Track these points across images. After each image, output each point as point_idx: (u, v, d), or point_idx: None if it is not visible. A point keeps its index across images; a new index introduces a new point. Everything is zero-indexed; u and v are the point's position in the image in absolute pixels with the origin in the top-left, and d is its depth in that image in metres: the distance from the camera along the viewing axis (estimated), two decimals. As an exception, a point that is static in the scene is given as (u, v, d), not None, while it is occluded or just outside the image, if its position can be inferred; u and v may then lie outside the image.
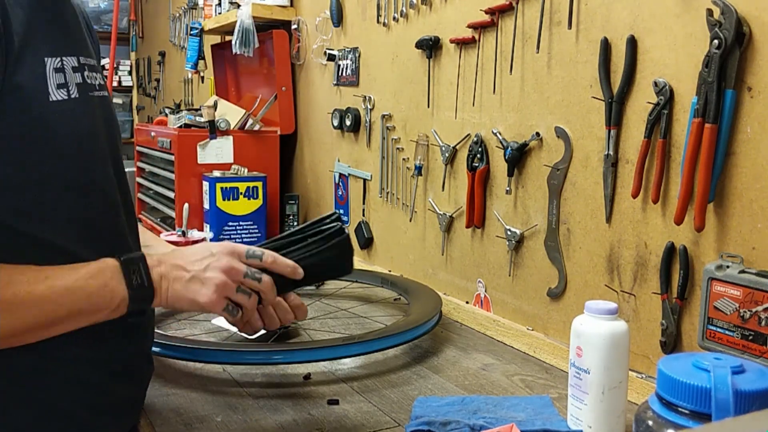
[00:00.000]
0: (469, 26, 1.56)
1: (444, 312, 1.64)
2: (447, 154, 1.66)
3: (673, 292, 1.15)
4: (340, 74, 2.18)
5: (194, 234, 2.17)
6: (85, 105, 0.94)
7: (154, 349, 1.29)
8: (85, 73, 0.98)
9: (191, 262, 0.95)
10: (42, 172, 0.87)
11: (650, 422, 0.73)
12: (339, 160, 2.22)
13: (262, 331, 1.37)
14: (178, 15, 3.97)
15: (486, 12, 1.50)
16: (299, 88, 2.51)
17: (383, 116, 1.94)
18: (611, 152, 1.24)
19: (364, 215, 2.09)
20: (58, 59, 0.92)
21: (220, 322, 1.43)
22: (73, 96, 0.92)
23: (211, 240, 2.21)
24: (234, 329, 1.39)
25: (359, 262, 2.10)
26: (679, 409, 0.71)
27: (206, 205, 2.26)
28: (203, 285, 0.94)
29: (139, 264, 0.91)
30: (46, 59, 0.90)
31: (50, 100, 0.88)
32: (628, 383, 1.02)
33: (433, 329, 1.45)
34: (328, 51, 2.20)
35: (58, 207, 0.89)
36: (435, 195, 1.74)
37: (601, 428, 1.00)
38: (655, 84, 1.14)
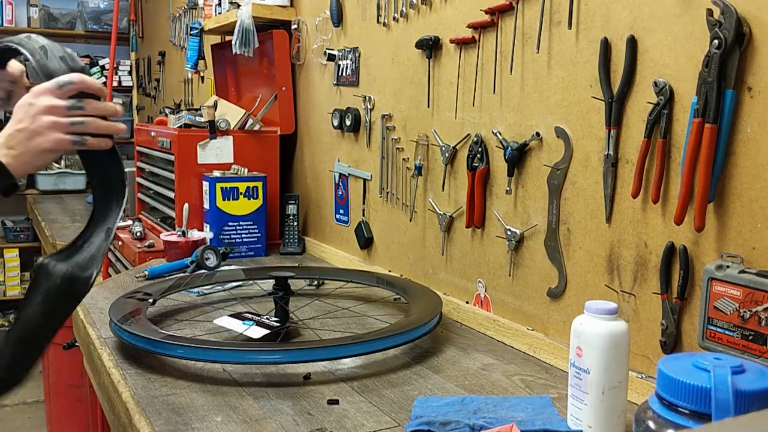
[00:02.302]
0: (469, 26, 1.56)
1: (444, 312, 1.64)
2: (447, 154, 1.66)
3: (673, 292, 1.15)
4: (340, 74, 2.18)
5: (194, 234, 2.17)
6: None
7: (154, 348, 1.29)
8: None
9: (18, 122, 0.98)
10: None
11: (650, 422, 0.73)
12: (339, 160, 2.22)
13: (266, 332, 1.37)
14: (178, 15, 3.96)
15: (486, 12, 1.50)
16: (299, 88, 2.51)
17: (383, 116, 1.94)
18: (611, 152, 1.24)
19: (364, 215, 2.09)
20: None
21: (222, 321, 1.43)
22: None
23: (210, 241, 2.21)
24: (236, 329, 1.40)
25: (359, 262, 2.10)
26: (679, 409, 0.71)
27: (206, 205, 2.26)
28: (40, 134, 0.97)
29: None
30: None
31: None
32: (628, 383, 1.02)
33: (433, 329, 1.45)
34: (328, 51, 2.20)
35: None
36: (435, 195, 1.74)
37: (601, 428, 1.00)
38: (655, 84, 1.14)
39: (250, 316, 1.46)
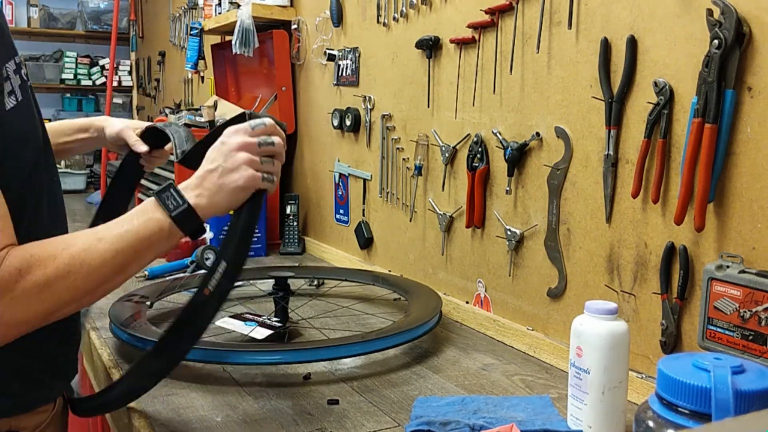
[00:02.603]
0: (469, 26, 1.56)
1: (444, 312, 1.64)
2: (447, 154, 1.66)
3: (673, 292, 1.15)
4: (340, 74, 2.18)
5: (194, 234, 2.17)
6: (27, 102, 0.99)
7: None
8: (22, 71, 1.01)
9: (211, 161, 0.99)
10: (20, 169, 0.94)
11: (650, 422, 0.73)
12: (339, 160, 2.22)
13: (269, 332, 1.37)
14: (178, 15, 3.96)
15: (486, 12, 1.50)
16: (299, 88, 2.51)
17: (383, 116, 1.94)
18: (611, 152, 1.24)
19: (364, 215, 2.09)
20: (2, 68, 0.95)
21: (224, 323, 1.43)
22: (19, 99, 0.96)
23: (210, 240, 2.21)
24: (240, 330, 1.39)
25: (359, 262, 2.10)
26: (679, 409, 0.71)
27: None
28: (234, 171, 0.98)
29: (170, 190, 0.96)
30: None
31: (5, 109, 0.92)
32: (628, 383, 1.02)
33: (433, 329, 1.45)
34: (328, 51, 2.20)
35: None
36: (435, 195, 1.74)
37: (601, 428, 1.00)
38: (655, 84, 1.14)
39: (251, 316, 1.46)
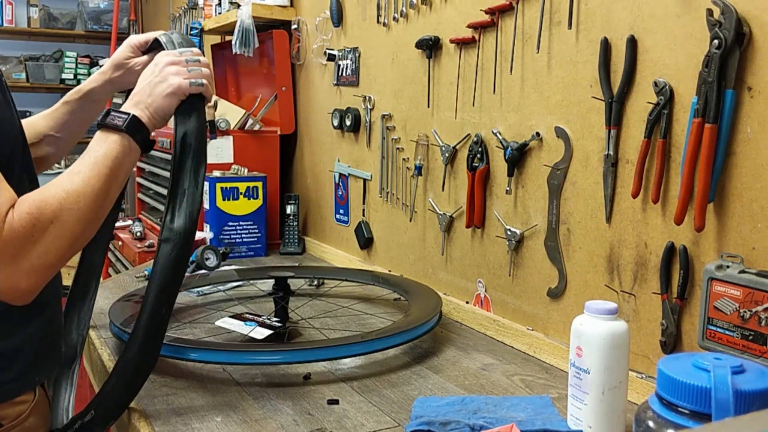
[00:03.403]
0: (469, 26, 1.56)
1: (444, 312, 1.64)
2: (447, 154, 1.66)
3: (673, 292, 1.15)
4: (340, 74, 2.18)
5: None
6: (4, 99, 1.03)
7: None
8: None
9: (144, 80, 1.12)
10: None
11: (650, 422, 0.73)
12: (339, 160, 2.22)
13: (269, 332, 1.37)
14: (178, 15, 3.96)
15: (486, 12, 1.50)
16: (299, 88, 2.51)
17: (383, 116, 1.94)
18: (611, 152, 1.24)
19: (364, 215, 2.09)
20: None
21: (224, 323, 1.43)
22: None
23: (210, 240, 2.21)
24: (240, 330, 1.39)
25: (359, 262, 2.10)
26: (679, 409, 0.71)
27: (206, 205, 2.26)
28: (163, 81, 1.10)
29: (111, 112, 1.06)
30: None
31: None
32: (628, 383, 1.02)
33: (433, 329, 1.45)
34: (328, 51, 2.20)
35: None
36: (435, 195, 1.74)
37: (601, 428, 1.00)
38: (655, 84, 1.14)
39: (251, 316, 1.46)
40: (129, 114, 1.05)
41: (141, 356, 1.05)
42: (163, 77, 1.10)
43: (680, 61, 1.11)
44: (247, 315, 1.48)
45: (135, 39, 1.36)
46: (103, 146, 1.02)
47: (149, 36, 1.38)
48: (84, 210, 0.96)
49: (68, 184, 0.96)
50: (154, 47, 1.30)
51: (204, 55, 1.18)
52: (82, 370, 1.66)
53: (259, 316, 1.47)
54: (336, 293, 1.84)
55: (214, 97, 2.82)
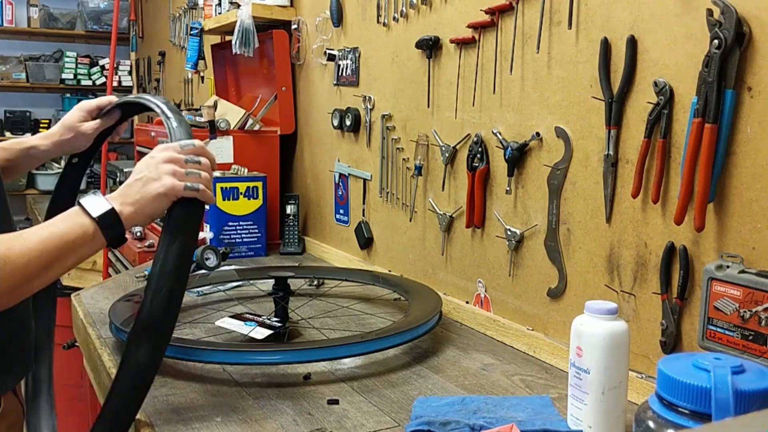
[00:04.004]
0: (469, 26, 1.56)
1: (444, 312, 1.64)
2: (447, 154, 1.66)
3: (673, 292, 1.15)
4: (340, 74, 2.18)
5: (194, 234, 2.17)
6: None
7: None
8: None
9: (138, 173, 1.05)
10: None
11: (650, 422, 0.73)
12: (339, 160, 2.22)
13: (269, 332, 1.37)
14: (178, 15, 3.97)
15: (486, 12, 1.50)
16: (299, 88, 2.51)
17: (383, 116, 1.94)
18: (611, 152, 1.24)
19: (364, 215, 2.09)
20: None
21: (224, 323, 1.43)
22: None
23: (210, 240, 2.21)
24: (239, 330, 1.40)
25: (359, 262, 2.10)
26: (679, 409, 0.71)
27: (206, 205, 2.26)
28: (157, 180, 1.02)
29: (96, 192, 1.01)
30: None
31: None
32: (628, 383, 1.02)
33: (433, 329, 1.45)
34: (328, 51, 2.20)
35: None
36: (435, 195, 1.74)
37: (601, 428, 1.00)
38: (655, 84, 1.14)
39: (251, 317, 1.46)
40: (110, 206, 0.99)
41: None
42: (157, 174, 1.03)
43: (680, 61, 1.11)
44: (247, 315, 1.48)
45: (87, 104, 1.32)
46: (66, 225, 0.96)
47: (102, 101, 1.34)
48: (7, 280, 0.89)
49: (6, 246, 0.90)
50: (109, 112, 1.26)
51: (207, 154, 1.10)
52: (82, 370, 1.67)
53: (259, 316, 1.47)
54: (336, 293, 1.84)
55: (214, 97, 2.82)
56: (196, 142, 1.09)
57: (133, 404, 0.99)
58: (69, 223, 0.97)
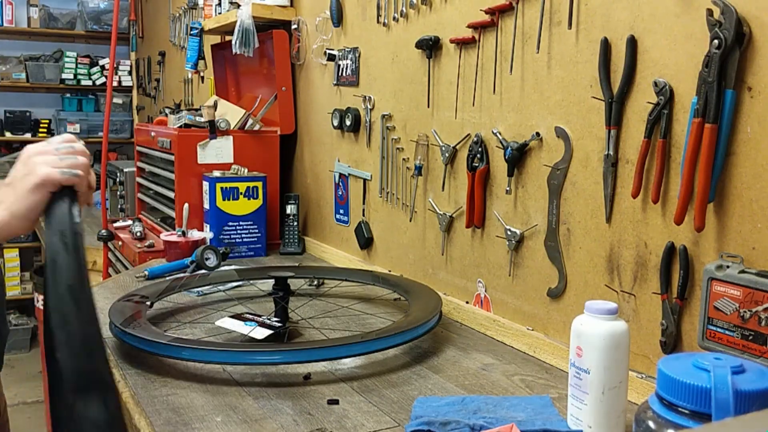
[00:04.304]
0: (469, 26, 1.56)
1: (444, 312, 1.64)
2: (447, 154, 1.66)
3: (673, 292, 1.15)
4: (340, 74, 2.18)
5: (194, 234, 2.17)
6: None
7: (160, 351, 1.29)
8: None
9: (8, 177, 0.96)
10: None
11: (650, 422, 0.73)
12: (339, 160, 2.22)
13: (269, 332, 1.37)
14: (178, 15, 3.96)
15: (486, 12, 1.50)
16: (299, 88, 2.51)
17: (383, 116, 1.94)
18: (611, 152, 1.24)
19: (364, 215, 2.09)
20: None
21: (224, 323, 1.43)
22: None
23: (210, 240, 2.21)
24: (240, 330, 1.40)
25: (359, 262, 2.10)
26: (679, 409, 0.71)
27: (206, 205, 2.26)
28: (29, 174, 0.93)
29: None
30: None
31: None
32: (628, 383, 1.02)
33: (433, 329, 1.45)
34: (328, 51, 2.20)
35: None
36: (435, 195, 1.74)
37: (601, 428, 1.00)
38: (655, 84, 1.14)
39: (251, 316, 1.46)
40: None
41: None
42: (29, 169, 0.94)
43: (680, 61, 1.11)
44: (247, 315, 1.48)
45: None
46: None
47: None
48: None
49: None
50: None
51: (78, 141, 1.01)
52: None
53: (259, 316, 1.47)
54: (336, 293, 1.84)
55: (214, 97, 2.82)
56: (66, 135, 1.02)
57: None
58: None
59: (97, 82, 5.66)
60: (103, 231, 2.82)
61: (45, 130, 5.41)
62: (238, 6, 2.50)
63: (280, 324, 1.44)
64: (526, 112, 1.44)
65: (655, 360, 1.08)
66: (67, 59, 5.57)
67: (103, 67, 5.67)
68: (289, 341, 1.43)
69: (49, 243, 0.89)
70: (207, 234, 2.23)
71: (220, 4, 2.74)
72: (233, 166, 2.34)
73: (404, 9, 1.82)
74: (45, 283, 0.86)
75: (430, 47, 1.69)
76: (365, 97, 2.02)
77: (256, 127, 2.49)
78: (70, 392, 0.81)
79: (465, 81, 1.61)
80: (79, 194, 0.96)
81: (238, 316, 1.46)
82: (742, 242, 1.05)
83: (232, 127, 2.44)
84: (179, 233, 2.18)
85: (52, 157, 0.95)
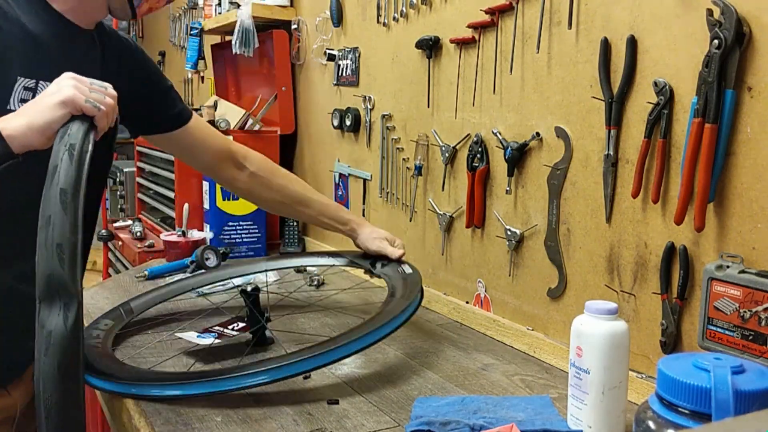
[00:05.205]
0: (469, 26, 1.56)
1: (444, 312, 1.64)
2: (447, 154, 1.66)
3: (673, 292, 1.15)
4: (340, 74, 2.18)
5: (194, 234, 2.17)
6: None
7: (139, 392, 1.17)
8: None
9: (43, 92, 1.00)
10: None
11: (650, 422, 0.73)
12: (339, 160, 2.22)
13: (247, 335, 1.34)
14: (178, 15, 3.96)
15: (486, 12, 1.50)
16: (299, 88, 2.51)
17: (383, 116, 1.94)
18: (611, 152, 1.24)
19: (364, 215, 2.09)
20: (33, 80, 1.04)
21: (186, 336, 1.38)
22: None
23: (210, 240, 2.21)
24: (200, 341, 1.34)
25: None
26: (679, 409, 0.71)
27: (206, 205, 2.26)
28: (56, 92, 0.97)
29: None
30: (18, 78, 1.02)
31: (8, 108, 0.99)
32: (628, 383, 1.02)
33: (416, 311, 1.35)
34: (328, 51, 2.20)
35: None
36: (435, 195, 1.74)
37: (601, 428, 1.00)
38: (655, 84, 1.14)
39: (217, 328, 1.40)
40: None
41: None
42: (57, 87, 0.97)
43: (680, 61, 1.11)
44: (215, 327, 1.42)
45: None
46: None
47: None
48: None
49: None
50: None
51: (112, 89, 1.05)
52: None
53: (227, 326, 1.41)
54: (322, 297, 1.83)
55: (214, 97, 2.82)
56: (107, 84, 1.05)
57: None
58: None
59: (97, 82, 5.65)
60: (103, 231, 2.82)
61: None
62: (238, 6, 2.50)
63: (237, 333, 1.38)
64: (526, 112, 1.44)
65: (655, 360, 1.08)
66: (67, 59, 5.57)
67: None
68: (262, 346, 1.39)
69: (55, 151, 0.91)
70: (207, 234, 2.23)
71: (220, 4, 2.74)
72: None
73: (404, 9, 1.82)
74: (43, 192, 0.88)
75: (430, 47, 1.69)
76: (365, 97, 2.02)
77: (256, 127, 2.49)
78: (38, 297, 0.87)
79: (465, 81, 1.61)
80: (97, 128, 0.99)
81: (204, 330, 1.40)
82: (742, 242, 1.05)
83: (232, 127, 2.44)
84: (179, 233, 2.18)
85: (83, 86, 0.99)
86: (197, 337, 1.37)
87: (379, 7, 1.93)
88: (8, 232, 1.11)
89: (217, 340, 1.35)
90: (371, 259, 1.62)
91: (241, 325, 1.42)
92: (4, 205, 1.09)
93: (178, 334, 1.40)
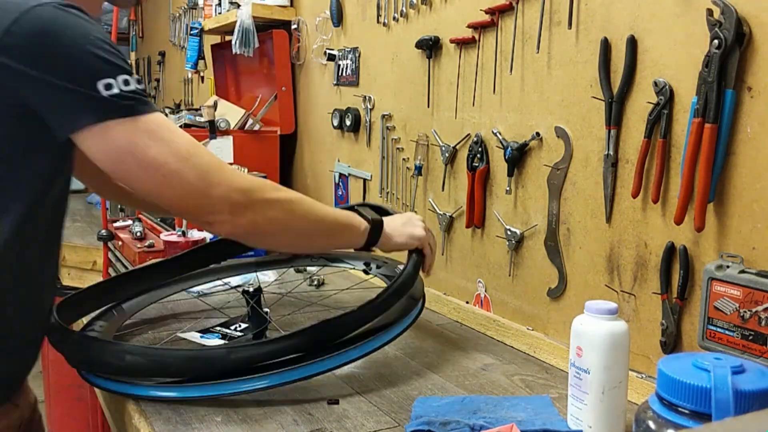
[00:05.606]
0: (469, 26, 1.56)
1: (444, 312, 1.64)
2: (447, 154, 1.66)
3: (673, 292, 1.15)
4: (340, 74, 2.18)
5: (194, 234, 2.17)
6: None
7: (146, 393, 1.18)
8: None
9: (402, 217, 1.36)
10: None
11: (650, 422, 0.73)
12: (339, 160, 2.22)
13: (241, 334, 1.35)
14: (178, 15, 3.97)
15: (486, 12, 1.50)
16: (299, 88, 2.51)
17: (383, 116, 1.94)
18: (611, 152, 1.24)
19: (364, 215, 2.09)
20: None
21: (189, 336, 1.38)
22: None
23: (210, 239, 2.21)
24: (204, 342, 1.36)
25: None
26: (679, 409, 0.71)
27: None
28: (417, 227, 1.35)
29: (367, 208, 1.34)
30: None
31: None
32: (628, 383, 1.02)
33: (419, 315, 1.37)
34: (328, 51, 2.20)
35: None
36: (435, 195, 1.74)
37: (601, 428, 1.00)
38: (655, 84, 1.14)
39: (219, 328, 1.42)
40: (381, 220, 1.29)
41: None
42: (417, 226, 1.35)
43: (680, 61, 1.11)
44: (216, 328, 1.43)
45: None
46: (346, 214, 1.25)
47: None
48: (286, 220, 1.13)
49: (299, 198, 1.16)
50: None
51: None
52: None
53: (229, 326, 1.42)
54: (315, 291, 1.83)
55: (214, 97, 2.83)
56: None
57: None
58: (347, 215, 1.26)
59: (97, 82, 5.66)
60: (103, 231, 2.82)
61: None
62: (238, 6, 2.50)
63: (241, 334, 1.39)
64: (526, 112, 1.44)
65: (655, 360, 1.08)
66: (67, 59, 5.57)
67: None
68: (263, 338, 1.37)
69: (402, 270, 1.31)
70: (207, 234, 2.22)
71: (220, 4, 2.74)
72: (233, 166, 2.34)
73: (404, 9, 1.82)
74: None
75: (430, 47, 1.70)
76: (365, 97, 2.02)
77: (256, 127, 2.49)
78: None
79: (465, 81, 1.61)
80: (426, 259, 1.37)
81: (205, 330, 1.41)
82: (742, 242, 1.05)
83: (232, 127, 2.44)
84: (179, 233, 2.17)
85: (428, 234, 1.36)
86: (201, 337, 1.37)
87: (379, 7, 1.93)
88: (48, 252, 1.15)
89: (221, 341, 1.35)
90: (365, 260, 1.62)
91: (243, 325, 1.43)
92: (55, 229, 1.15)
93: (181, 335, 1.40)
